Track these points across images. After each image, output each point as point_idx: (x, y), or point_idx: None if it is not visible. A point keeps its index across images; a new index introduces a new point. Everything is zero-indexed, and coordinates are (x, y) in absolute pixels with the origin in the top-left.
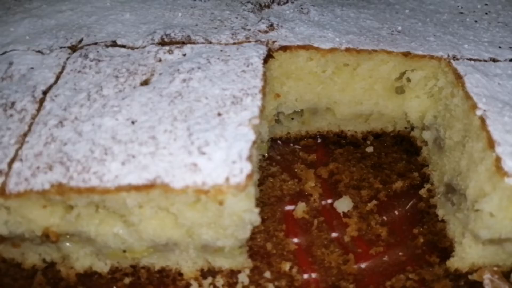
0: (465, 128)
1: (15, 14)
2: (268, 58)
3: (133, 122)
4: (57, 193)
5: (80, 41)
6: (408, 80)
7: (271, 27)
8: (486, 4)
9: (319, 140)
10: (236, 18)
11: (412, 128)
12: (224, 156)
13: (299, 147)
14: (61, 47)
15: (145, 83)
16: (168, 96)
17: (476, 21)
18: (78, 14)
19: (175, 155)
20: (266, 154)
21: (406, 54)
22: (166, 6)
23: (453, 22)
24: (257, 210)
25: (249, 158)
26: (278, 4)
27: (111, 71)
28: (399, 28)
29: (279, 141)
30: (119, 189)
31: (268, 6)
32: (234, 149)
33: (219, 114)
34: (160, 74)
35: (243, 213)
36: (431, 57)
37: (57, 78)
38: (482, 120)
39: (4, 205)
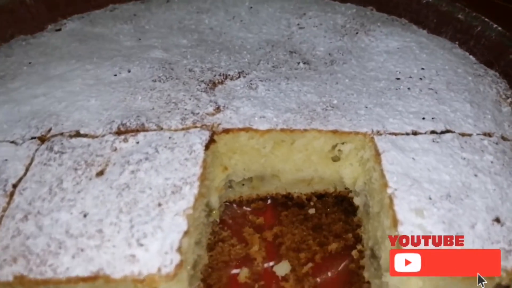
0: (381, 202)
1: None
2: (210, 143)
3: (85, 216)
4: (19, 283)
5: (49, 130)
6: (340, 151)
7: (217, 109)
8: (423, 68)
9: (269, 201)
10: (189, 99)
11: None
12: (159, 246)
13: (250, 209)
14: (32, 138)
15: (100, 173)
16: (117, 188)
17: (409, 88)
18: (50, 99)
19: (117, 247)
20: (218, 220)
21: (334, 132)
22: (129, 88)
23: (387, 90)
24: None
25: (179, 249)
26: (231, 79)
27: (72, 164)
28: (335, 101)
29: (233, 204)
30: (69, 280)
31: (222, 82)
32: (168, 240)
33: (160, 205)
34: (114, 164)
35: None
36: (357, 133)
37: (27, 170)
38: (391, 199)
39: None
